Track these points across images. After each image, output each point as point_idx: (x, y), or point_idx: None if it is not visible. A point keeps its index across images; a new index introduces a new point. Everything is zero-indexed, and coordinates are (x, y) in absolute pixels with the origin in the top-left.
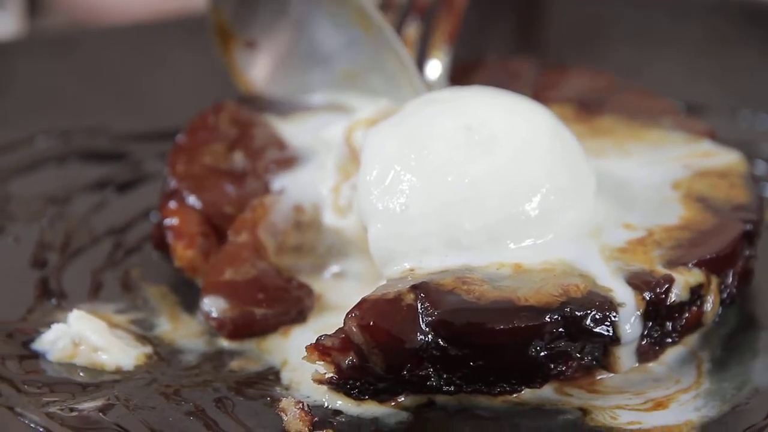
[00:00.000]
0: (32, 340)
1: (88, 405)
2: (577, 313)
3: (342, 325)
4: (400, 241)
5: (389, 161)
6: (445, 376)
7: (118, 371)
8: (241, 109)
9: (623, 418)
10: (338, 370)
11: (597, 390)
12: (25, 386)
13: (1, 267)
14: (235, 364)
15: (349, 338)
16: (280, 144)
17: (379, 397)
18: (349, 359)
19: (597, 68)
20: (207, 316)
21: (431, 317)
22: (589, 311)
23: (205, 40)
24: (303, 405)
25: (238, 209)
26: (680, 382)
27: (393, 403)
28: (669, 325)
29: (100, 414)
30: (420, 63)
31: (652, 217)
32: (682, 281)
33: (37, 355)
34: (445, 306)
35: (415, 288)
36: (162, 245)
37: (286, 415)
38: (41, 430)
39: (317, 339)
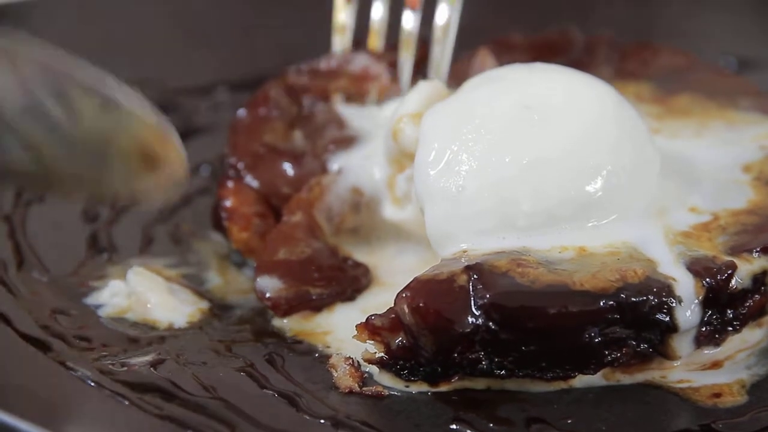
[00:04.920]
0: (84, 294)
1: (140, 360)
2: (633, 299)
3: (392, 305)
4: (456, 223)
5: (446, 142)
6: (496, 360)
7: (170, 328)
8: (301, 83)
9: (672, 376)
10: (388, 350)
11: None
12: (77, 341)
13: (52, 221)
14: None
15: (399, 318)
16: (339, 122)
17: (430, 379)
18: (399, 340)
19: (676, 46)
20: (261, 295)
21: (483, 300)
22: (645, 297)
23: None
24: (353, 361)
25: (295, 189)
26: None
27: (444, 387)
28: (730, 312)
29: (152, 369)
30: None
31: (719, 200)
32: (745, 268)
33: (89, 310)
34: (498, 288)
35: (468, 269)
36: (219, 226)
37: (337, 371)
38: (92, 384)
39: (367, 318)
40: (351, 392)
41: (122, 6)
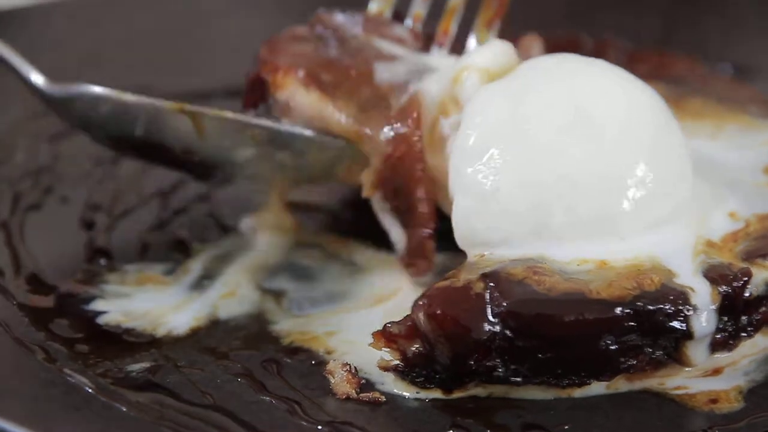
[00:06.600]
0: (82, 300)
1: (138, 366)
2: (649, 307)
3: (409, 312)
4: (484, 221)
5: (489, 135)
6: (512, 367)
7: (168, 334)
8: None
9: (670, 383)
10: (404, 357)
11: None
12: (75, 347)
13: (50, 227)
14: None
15: (415, 326)
16: (377, 52)
17: (446, 385)
18: (415, 347)
19: (684, 52)
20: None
21: (500, 308)
22: (662, 306)
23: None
24: (350, 367)
25: (336, 76)
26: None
27: (460, 394)
28: (744, 318)
29: (149, 375)
30: (463, 39)
31: (750, 204)
32: (761, 275)
33: (86, 317)
34: (515, 296)
35: (485, 277)
36: (252, 102)
37: (334, 378)
38: (90, 390)
39: (384, 326)
40: (348, 398)
41: (120, 11)
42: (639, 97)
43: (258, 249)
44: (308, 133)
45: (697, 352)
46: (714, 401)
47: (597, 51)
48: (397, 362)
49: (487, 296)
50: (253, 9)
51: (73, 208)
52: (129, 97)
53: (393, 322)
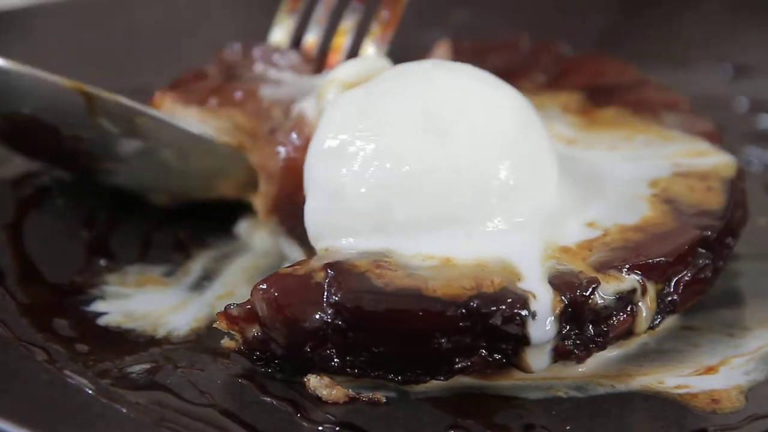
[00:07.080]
0: (82, 301)
1: (138, 367)
2: (483, 309)
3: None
4: (331, 219)
5: (339, 136)
6: (348, 358)
7: (168, 335)
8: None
9: (669, 381)
10: (245, 340)
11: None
12: (75, 347)
13: (51, 228)
14: None
15: (254, 310)
16: (275, 81)
17: (285, 371)
18: (254, 331)
19: (620, 58)
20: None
21: (334, 298)
22: (497, 308)
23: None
24: (326, 379)
25: (220, 98)
26: (739, 347)
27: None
28: (591, 329)
29: (150, 376)
30: (355, 50)
31: (616, 215)
32: (611, 285)
33: (87, 317)
34: (349, 288)
35: (327, 266)
36: None
37: (320, 391)
38: (90, 391)
39: (226, 307)
40: (348, 398)
41: (120, 12)
42: (496, 103)
43: (256, 250)
44: (196, 129)
45: (536, 358)
46: (715, 401)
47: (531, 55)
48: (239, 344)
49: (324, 286)
50: (253, 9)
51: (73, 208)
52: (26, 69)
53: (235, 303)
